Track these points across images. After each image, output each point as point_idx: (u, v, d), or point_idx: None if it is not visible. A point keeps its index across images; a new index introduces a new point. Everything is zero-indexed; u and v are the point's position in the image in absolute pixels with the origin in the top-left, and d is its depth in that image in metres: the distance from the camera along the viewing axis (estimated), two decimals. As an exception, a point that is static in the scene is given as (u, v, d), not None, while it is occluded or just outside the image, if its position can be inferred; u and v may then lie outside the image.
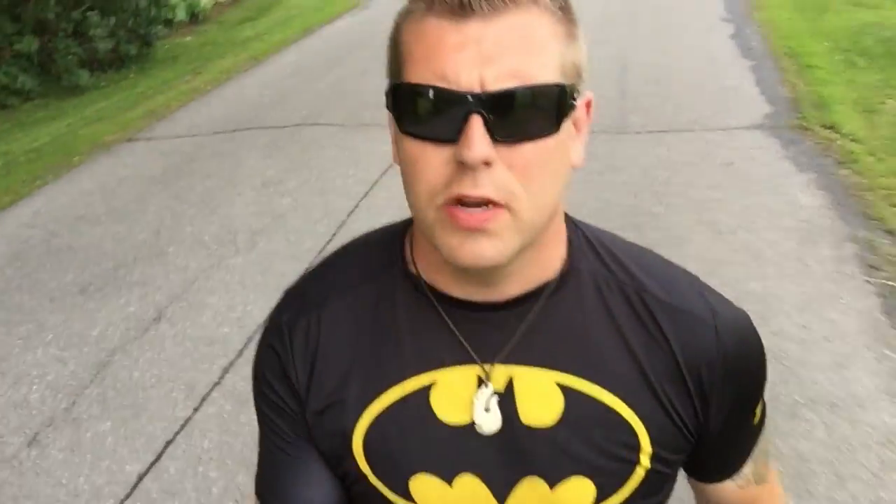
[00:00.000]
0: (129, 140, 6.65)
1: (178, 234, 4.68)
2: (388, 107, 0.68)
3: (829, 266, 3.61)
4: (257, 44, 9.87)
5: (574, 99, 0.66)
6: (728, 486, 0.88)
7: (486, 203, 0.63)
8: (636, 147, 5.16)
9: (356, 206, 4.71)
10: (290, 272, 3.82)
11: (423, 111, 0.64)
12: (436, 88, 0.62)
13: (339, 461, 0.79)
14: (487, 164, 0.62)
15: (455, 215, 0.63)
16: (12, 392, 3.36)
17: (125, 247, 4.59)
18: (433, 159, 0.64)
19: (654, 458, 0.76)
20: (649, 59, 7.06)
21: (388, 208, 4.53)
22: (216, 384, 3.23)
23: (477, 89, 0.61)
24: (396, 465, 0.77)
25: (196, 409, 3.11)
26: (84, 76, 8.93)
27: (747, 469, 0.88)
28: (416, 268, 0.78)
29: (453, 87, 0.61)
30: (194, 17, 12.33)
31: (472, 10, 0.61)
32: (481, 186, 0.62)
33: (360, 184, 5.00)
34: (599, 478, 0.75)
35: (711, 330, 0.76)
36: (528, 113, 0.63)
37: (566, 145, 0.68)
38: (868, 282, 3.47)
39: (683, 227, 4.07)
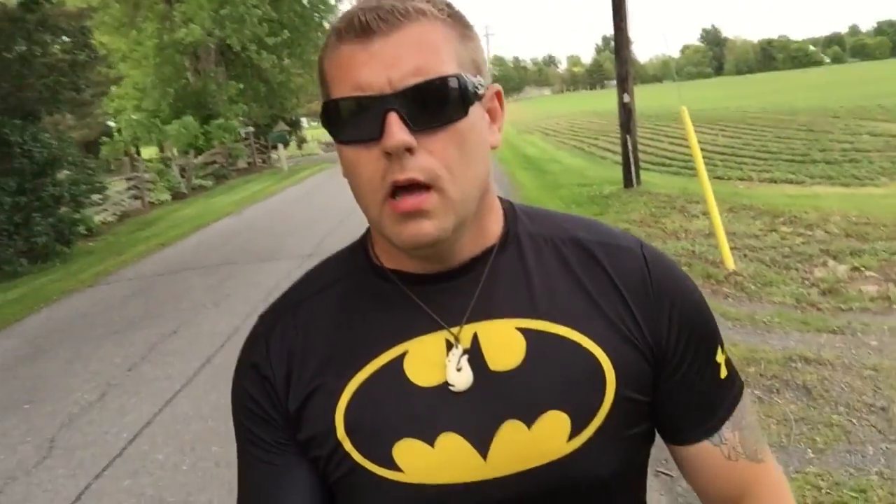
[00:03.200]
0: (91, 286, 9.30)
1: (164, 310, 7.42)
2: (323, 125, 0.78)
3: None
4: (159, 238, 12.85)
5: (476, 87, 0.75)
6: (712, 452, 0.87)
7: (414, 185, 0.72)
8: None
9: (276, 285, 7.68)
10: (247, 310, 6.71)
11: (348, 118, 0.74)
12: (354, 97, 0.72)
13: (324, 443, 0.81)
14: (410, 150, 0.71)
15: (394, 205, 0.73)
16: (116, 349, 5.90)
17: (135, 314, 7.30)
18: (366, 159, 0.73)
19: (620, 381, 0.79)
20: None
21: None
22: (228, 340, 5.97)
23: (387, 90, 0.71)
24: (378, 435, 0.79)
25: (221, 347, 5.83)
26: (23, 264, 11.40)
27: (729, 433, 0.87)
28: (378, 260, 0.86)
29: (368, 92, 0.71)
30: (90, 232, 15.07)
31: (373, 30, 0.72)
32: (408, 171, 0.71)
33: (268, 277, 8.01)
34: (572, 408, 0.78)
35: (640, 257, 0.85)
36: (435, 102, 0.72)
37: (479, 129, 0.77)
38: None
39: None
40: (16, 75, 11.59)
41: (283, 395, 0.83)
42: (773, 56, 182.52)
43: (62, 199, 12.22)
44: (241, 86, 26.61)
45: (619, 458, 0.81)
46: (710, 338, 0.87)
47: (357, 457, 0.79)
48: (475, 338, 0.80)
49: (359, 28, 0.72)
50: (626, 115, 11.06)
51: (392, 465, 0.78)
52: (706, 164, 16.97)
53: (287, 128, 34.39)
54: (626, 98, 10.91)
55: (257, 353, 0.86)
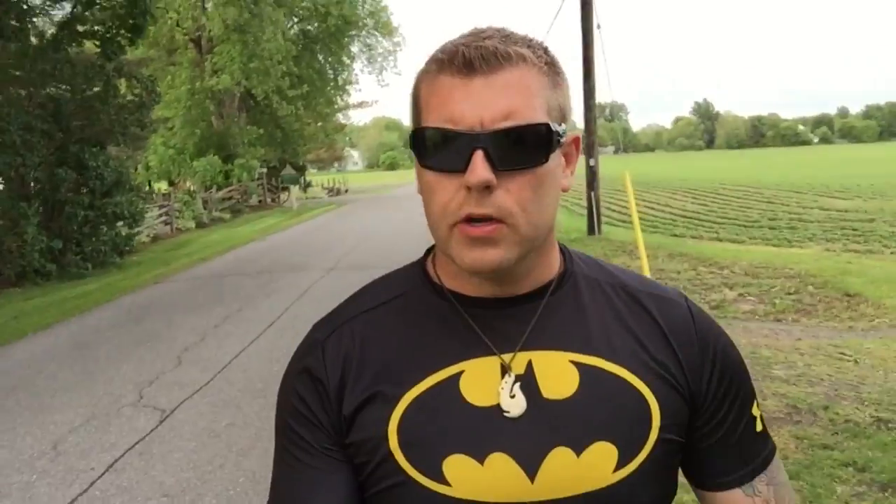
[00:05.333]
0: (156, 283, 11.62)
1: (226, 297, 9.75)
2: (410, 147, 0.82)
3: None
4: (198, 254, 15.24)
5: (560, 136, 0.80)
6: (742, 501, 0.90)
7: (488, 219, 0.76)
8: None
9: (310, 285, 10.01)
10: (293, 297, 9.04)
11: (437, 148, 0.78)
12: (447, 129, 0.77)
13: (375, 449, 0.83)
14: (489, 187, 0.75)
15: (465, 230, 0.77)
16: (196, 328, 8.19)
17: (204, 299, 9.58)
18: (447, 186, 0.78)
19: (664, 421, 0.84)
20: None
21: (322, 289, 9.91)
22: (284, 312, 8.28)
23: (478, 129, 0.76)
24: (430, 448, 0.81)
25: (279, 317, 8.13)
26: (88, 268, 13.71)
27: (763, 486, 0.91)
28: (439, 280, 0.89)
29: (460, 127, 0.76)
30: (130, 249, 17.41)
31: (475, 69, 0.77)
32: (484, 206, 0.76)
33: (302, 280, 10.34)
34: (620, 441, 0.82)
35: (685, 309, 0.91)
36: (520, 147, 0.77)
37: (556, 174, 0.82)
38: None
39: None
40: (92, 111, 14.07)
41: (336, 400, 0.85)
42: (762, 133, 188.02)
43: (121, 217, 14.59)
44: (261, 130, 29.28)
45: (657, 492, 0.85)
46: (747, 391, 0.92)
47: (406, 466, 0.81)
48: (529, 365, 0.83)
49: (461, 64, 0.77)
50: (592, 175, 13.64)
51: (441, 479, 0.80)
52: (670, 224, 19.78)
53: (294, 172, 37.00)
54: (592, 162, 13.47)
55: (312, 357, 0.88)
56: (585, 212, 14.69)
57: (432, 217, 0.81)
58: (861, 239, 14.99)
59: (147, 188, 25.67)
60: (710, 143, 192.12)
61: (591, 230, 13.82)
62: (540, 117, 0.78)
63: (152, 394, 5.65)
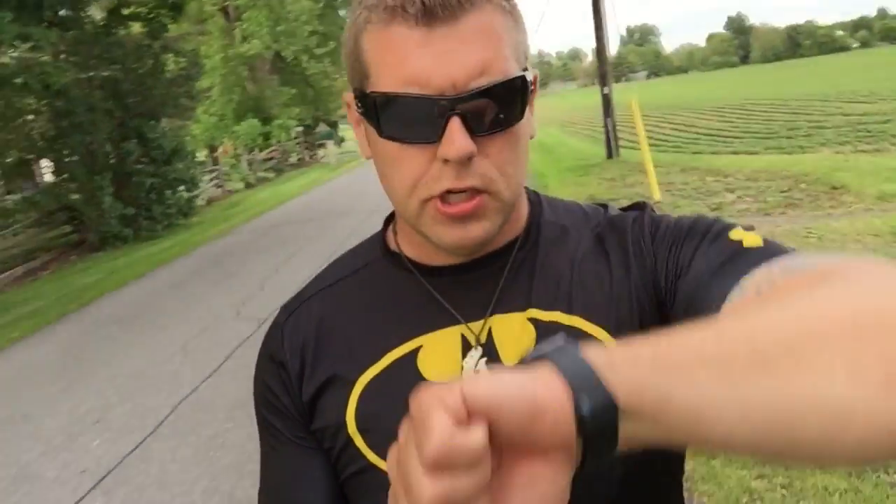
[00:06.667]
0: (223, 237, 13.13)
1: (286, 241, 11.19)
2: (360, 113, 0.72)
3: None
4: (252, 211, 16.75)
5: (531, 85, 0.70)
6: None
7: (470, 191, 0.68)
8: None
9: (357, 225, 11.40)
10: (343, 237, 10.43)
11: (400, 116, 0.67)
12: (413, 95, 0.65)
13: (336, 436, 0.80)
14: (469, 158, 0.66)
15: (443, 210, 0.69)
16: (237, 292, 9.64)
17: (268, 244, 11.04)
18: (415, 157, 0.68)
19: None
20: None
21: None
22: (338, 248, 9.69)
23: (450, 91, 0.64)
24: (388, 431, 0.67)
25: (334, 252, 9.55)
26: (158, 229, 15.32)
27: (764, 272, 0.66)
28: (399, 249, 0.84)
29: (427, 91, 0.64)
30: (191, 211, 19.02)
31: (436, 16, 0.64)
32: (465, 178, 0.67)
33: (349, 222, 11.71)
34: None
35: (635, 216, 0.82)
36: (499, 106, 0.67)
37: (528, 125, 0.73)
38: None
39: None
40: (144, 87, 15.50)
41: (298, 386, 0.82)
42: (799, 43, 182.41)
43: (182, 182, 16.12)
44: (293, 91, 30.54)
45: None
46: (706, 227, 0.75)
47: (367, 452, 0.78)
48: (489, 333, 0.78)
49: (419, 12, 0.64)
50: (606, 103, 14.65)
51: None
52: (692, 143, 20.65)
53: (328, 128, 38.35)
54: (606, 90, 14.48)
55: (274, 343, 0.86)
56: (621, 143, 15.71)
57: (397, 192, 0.72)
58: (872, 140, 15.73)
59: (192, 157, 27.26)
60: (745, 59, 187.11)
61: (609, 154, 14.91)
62: (513, 68, 0.68)
63: (247, 310, 7.11)
